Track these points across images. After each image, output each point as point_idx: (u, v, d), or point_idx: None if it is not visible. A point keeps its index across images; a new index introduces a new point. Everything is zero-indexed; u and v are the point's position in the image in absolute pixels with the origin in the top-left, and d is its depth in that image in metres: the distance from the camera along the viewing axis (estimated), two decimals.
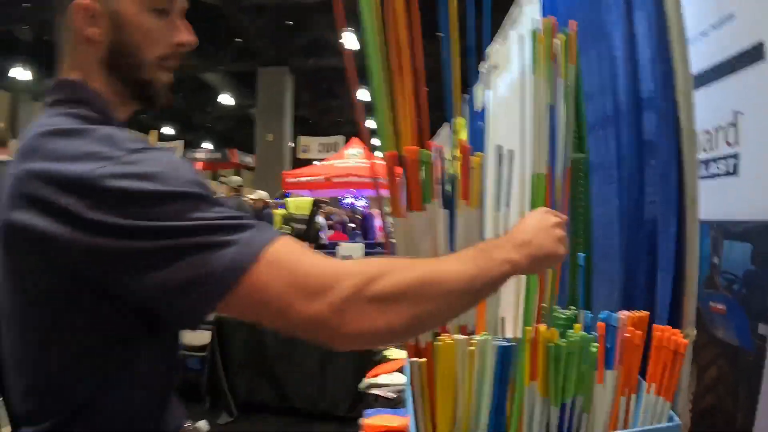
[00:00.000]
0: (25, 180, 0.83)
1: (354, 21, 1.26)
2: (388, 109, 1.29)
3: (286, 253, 0.81)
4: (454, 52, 1.46)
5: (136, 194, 0.78)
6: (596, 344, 1.11)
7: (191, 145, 25.45)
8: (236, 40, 17.78)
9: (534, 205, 1.38)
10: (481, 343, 1.14)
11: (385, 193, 1.33)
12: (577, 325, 1.18)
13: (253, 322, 0.87)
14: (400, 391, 2.38)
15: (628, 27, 1.57)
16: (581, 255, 1.43)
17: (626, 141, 1.59)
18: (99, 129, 0.87)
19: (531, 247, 0.99)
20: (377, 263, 0.86)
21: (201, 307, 0.80)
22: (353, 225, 17.07)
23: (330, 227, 13.46)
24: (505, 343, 1.13)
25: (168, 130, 24.95)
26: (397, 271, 0.84)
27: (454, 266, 0.90)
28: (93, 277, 0.81)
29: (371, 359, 3.17)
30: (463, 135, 4.02)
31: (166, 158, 0.85)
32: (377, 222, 14.92)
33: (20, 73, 17.29)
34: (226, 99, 21.67)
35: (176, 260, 0.76)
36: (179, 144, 18.66)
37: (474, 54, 1.66)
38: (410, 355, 1.22)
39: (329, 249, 8.80)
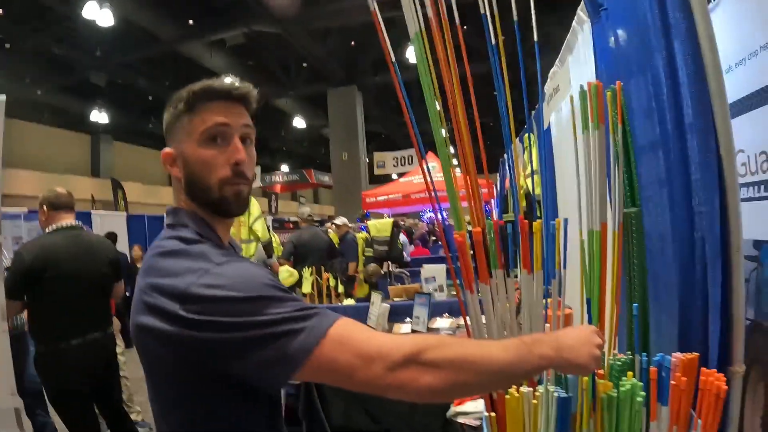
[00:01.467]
0: (146, 291, 1.12)
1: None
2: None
3: (347, 332, 1.06)
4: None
5: (224, 299, 1.04)
6: (643, 393, 1.27)
7: (269, 168, 26.12)
8: (303, 65, 18.30)
9: (591, 262, 1.52)
10: (543, 396, 1.32)
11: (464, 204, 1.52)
12: (630, 373, 1.34)
13: None
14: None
15: (668, 54, 1.66)
16: (635, 305, 1.55)
17: (674, 169, 1.66)
18: (194, 248, 1.17)
19: (569, 353, 1.13)
20: (425, 339, 1.08)
21: (281, 378, 1.07)
22: (434, 238, 17.19)
23: (411, 243, 13.65)
24: (564, 395, 1.31)
25: None
26: (445, 346, 1.07)
27: (496, 352, 1.09)
28: (201, 361, 1.08)
29: None
30: (534, 150, 4.13)
31: (245, 268, 1.13)
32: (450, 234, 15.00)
33: (98, 116, 18.65)
34: (298, 122, 22.25)
35: (260, 345, 1.03)
36: (257, 168, 19.17)
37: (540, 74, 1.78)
38: (487, 406, 1.40)
39: (413, 267, 9.00)
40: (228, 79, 1.27)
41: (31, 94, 17.22)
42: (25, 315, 4.53)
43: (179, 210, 1.29)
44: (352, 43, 17.51)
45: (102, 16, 11.39)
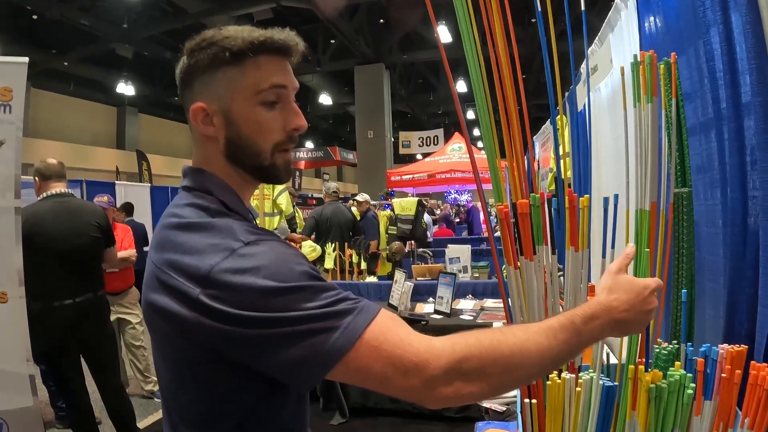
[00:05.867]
0: (160, 268, 1.00)
1: (445, 13, 1.35)
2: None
3: (383, 334, 0.94)
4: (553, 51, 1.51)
5: (253, 288, 0.91)
6: (693, 385, 1.19)
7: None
8: (331, 41, 18.23)
9: (638, 242, 1.44)
10: (586, 383, 1.25)
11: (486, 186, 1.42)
12: (677, 363, 1.26)
13: None
14: (509, 404, 2.47)
15: (725, 28, 1.56)
16: (684, 291, 1.46)
17: (727, 150, 1.58)
18: (218, 222, 1.02)
19: (621, 326, 1.06)
20: (466, 343, 0.96)
21: (311, 379, 0.95)
22: (458, 219, 17.17)
23: (434, 222, 13.59)
24: (609, 383, 1.23)
25: None
26: (488, 349, 0.95)
27: (545, 342, 0.99)
28: (219, 351, 0.96)
29: None
30: (566, 132, 4.03)
31: (276, 251, 0.98)
32: (482, 215, 14.94)
33: (124, 88, 18.82)
34: (324, 98, 22.21)
35: (288, 344, 0.91)
36: None
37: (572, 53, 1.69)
38: (523, 392, 1.33)
39: (435, 248, 8.96)
40: (283, 32, 1.10)
41: (58, 66, 17.36)
42: None
43: (202, 172, 1.13)
44: (381, 20, 17.38)
45: None
